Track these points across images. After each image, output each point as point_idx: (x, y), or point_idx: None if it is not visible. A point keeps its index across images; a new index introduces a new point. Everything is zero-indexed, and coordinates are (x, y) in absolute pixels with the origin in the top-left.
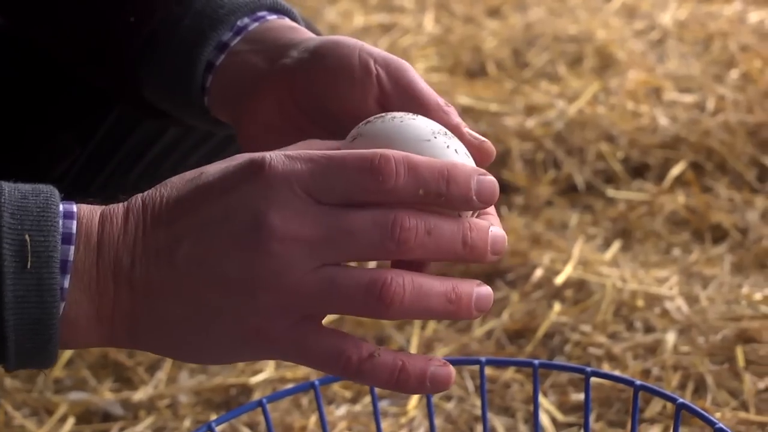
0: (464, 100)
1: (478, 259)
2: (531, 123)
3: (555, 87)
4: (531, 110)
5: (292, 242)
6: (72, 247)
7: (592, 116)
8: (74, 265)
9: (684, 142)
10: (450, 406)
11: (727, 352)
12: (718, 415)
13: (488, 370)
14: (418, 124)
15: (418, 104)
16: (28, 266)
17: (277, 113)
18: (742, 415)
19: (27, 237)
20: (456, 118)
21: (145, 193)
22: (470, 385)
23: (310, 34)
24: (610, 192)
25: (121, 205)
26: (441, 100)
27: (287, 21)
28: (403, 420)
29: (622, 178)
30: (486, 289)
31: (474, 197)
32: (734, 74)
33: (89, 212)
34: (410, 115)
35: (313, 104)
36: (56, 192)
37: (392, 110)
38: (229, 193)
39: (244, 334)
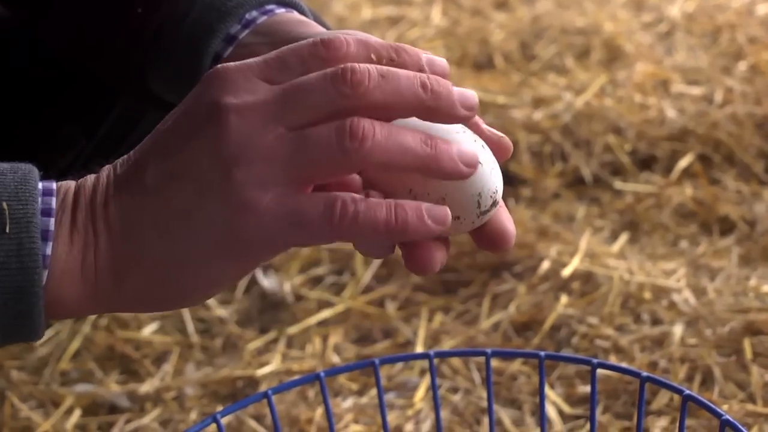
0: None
1: (446, 109)
2: (538, 115)
3: (562, 79)
4: (538, 102)
5: (250, 111)
6: (52, 219)
7: (600, 108)
8: (56, 239)
9: (692, 134)
10: (456, 398)
11: (734, 344)
12: (725, 407)
13: (495, 363)
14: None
15: None
16: (7, 230)
17: None
18: (750, 407)
19: (5, 205)
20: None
21: (121, 158)
22: (477, 377)
23: (320, 28)
24: (618, 184)
25: (97, 172)
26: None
27: (296, 14)
28: (409, 412)
29: (630, 171)
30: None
31: (425, 66)
32: (742, 66)
33: (66, 183)
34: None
35: None
36: (35, 170)
37: None
38: (186, 103)
39: (231, 229)
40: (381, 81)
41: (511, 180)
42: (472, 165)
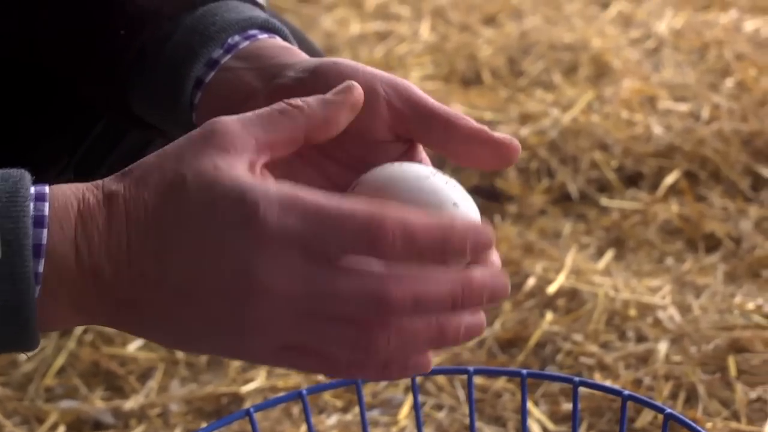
0: (459, 108)
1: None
2: (525, 131)
3: (550, 95)
4: (525, 119)
5: (279, 299)
6: (45, 231)
7: (587, 125)
8: (49, 256)
9: (678, 150)
10: (441, 415)
11: (719, 361)
12: (709, 425)
13: (479, 380)
14: (417, 166)
15: (435, 119)
16: None
17: None
18: (734, 425)
19: None
20: (476, 123)
21: (125, 190)
22: (461, 394)
23: (304, 55)
24: (604, 201)
25: (99, 201)
26: (456, 111)
27: (279, 40)
28: (394, 430)
29: (616, 187)
30: (477, 319)
31: (469, 254)
32: (729, 83)
33: (63, 198)
34: (407, 162)
35: None
36: (27, 175)
37: (406, 133)
38: (219, 231)
39: (229, 352)
40: (413, 306)
41: (497, 196)
42: (478, 333)
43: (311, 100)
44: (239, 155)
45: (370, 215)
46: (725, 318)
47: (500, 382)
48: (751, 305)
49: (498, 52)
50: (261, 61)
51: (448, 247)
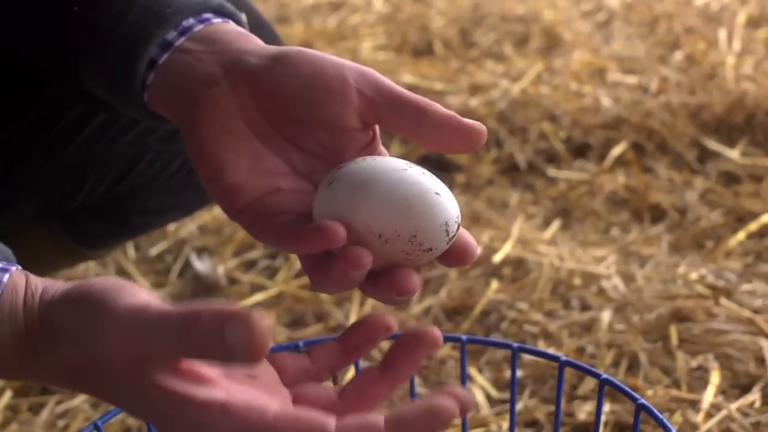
0: (409, 78)
1: None
2: (474, 102)
3: (500, 67)
4: (475, 89)
5: None
6: None
7: (536, 96)
8: None
9: (626, 122)
10: None
11: (661, 330)
12: (650, 392)
13: None
14: (391, 159)
15: (406, 106)
16: None
17: (237, 118)
18: (674, 392)
19: None
20: (446, 110)
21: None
22: None
23: (259, 41)
24: (551, 171)
25: (42, 331)
26: (424, 98)
27: (233, 25)
28: None
29: (564, 158)
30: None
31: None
32: (678, 56)
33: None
34: (378, 157)
35: (281, 111)
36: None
37: (375, 121)
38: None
39: None
40: None
41: (446, 166)
42: (469, 407)
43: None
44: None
45: None
46: (668, 288)
47: (444, 350)
48: (694, 275)
49: (450, 23)
50: (217, 45)
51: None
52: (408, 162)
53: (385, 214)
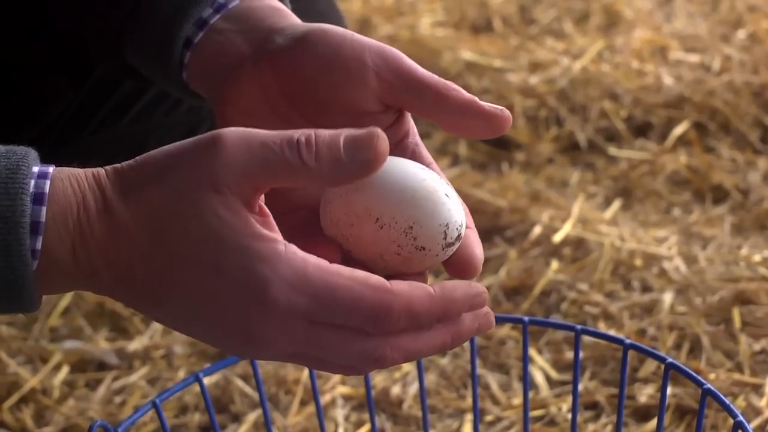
0: (468, 55)
1: None
2: (534, 80)
3: (560, 44)
4: (535, 67)
5: (280, 352)
6: (44, 209)
7: (596, 74)
8: (46, 248)
9: (688, 101)
10: (444, 362)
11: (723, 313)
12: (712, 376)
13: None
14: (412, 162)
15: (426, 90)
16: None
17: (260, 100)
18: (737, 376)
19: None
20: (467, 94)
21: (126, 208)
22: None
23: (294, 18)
24: (612, 150)
25: (99, 210)
26: (446, 81)
27: (270, 1)
28: (397, 375)
29: (625, 137)
30: (487, 318)
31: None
32: (741, 34)
33: (63, 200)
34: (395, 157)
35: (302, 93)
36: (31, 153)
37: (396, 103)
38: (225, 294)
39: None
40: (405, 359)
41: (505, 144)
42: (488, 328)
43: (325, 154)
44: (236, 197)
45: (379, 302)
46: (731, 270)
47: (504, 330)
48: (757, 257)
49: (509, 0)
50: (250, 23)
51: (447, 317)
52: (428, 167)
53: (387, 199)
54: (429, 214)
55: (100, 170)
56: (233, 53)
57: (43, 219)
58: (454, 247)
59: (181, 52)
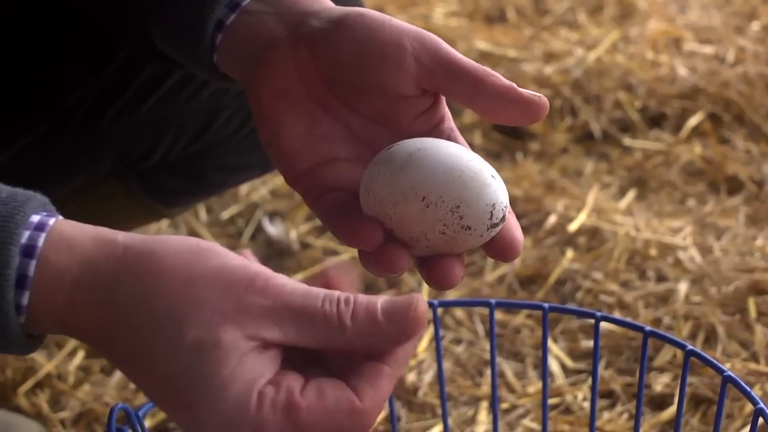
0: (482, 45)
1: None
2: (549, 70)
3: (574, 34)
4: (549, 57)
5: None
6: (33, 263)
7: (611, 65)
8: (33, 272)
9: (702, 92)
10: (460, 349)
11: (738, 303)
12: (728, 365)
13: (499, 315)
14: (454, 144)
15: (464, 75)
16: None
17: (296, 82)
18: (752, 366)
19: None
20: (505, 80)
21: (120, 302)
22: (480, 329)
23: (327, 2)
24: (627, 141)
25: (94, 303)
26: (484, 67)
27: None
28: (412, 362)
29: (639, 128)
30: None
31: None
32: (755, 26)
33: (53, 280)
34: (434, 138)
35: (339, 76)
36: (33, 200)
37: (433, 88)
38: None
39: None
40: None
41: (519, 133)
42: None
43: (362, 319)
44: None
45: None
46: (746, 260)
47: (520, 318)
48: None
49: None
50: (283, 5)
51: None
52: (472, 154)
53: (434, 178)
54: (476, 194)
55: (118, 240)
56: (267, 35)
57: (31, 273)
58: (498, 228)
59: (212, 34)
